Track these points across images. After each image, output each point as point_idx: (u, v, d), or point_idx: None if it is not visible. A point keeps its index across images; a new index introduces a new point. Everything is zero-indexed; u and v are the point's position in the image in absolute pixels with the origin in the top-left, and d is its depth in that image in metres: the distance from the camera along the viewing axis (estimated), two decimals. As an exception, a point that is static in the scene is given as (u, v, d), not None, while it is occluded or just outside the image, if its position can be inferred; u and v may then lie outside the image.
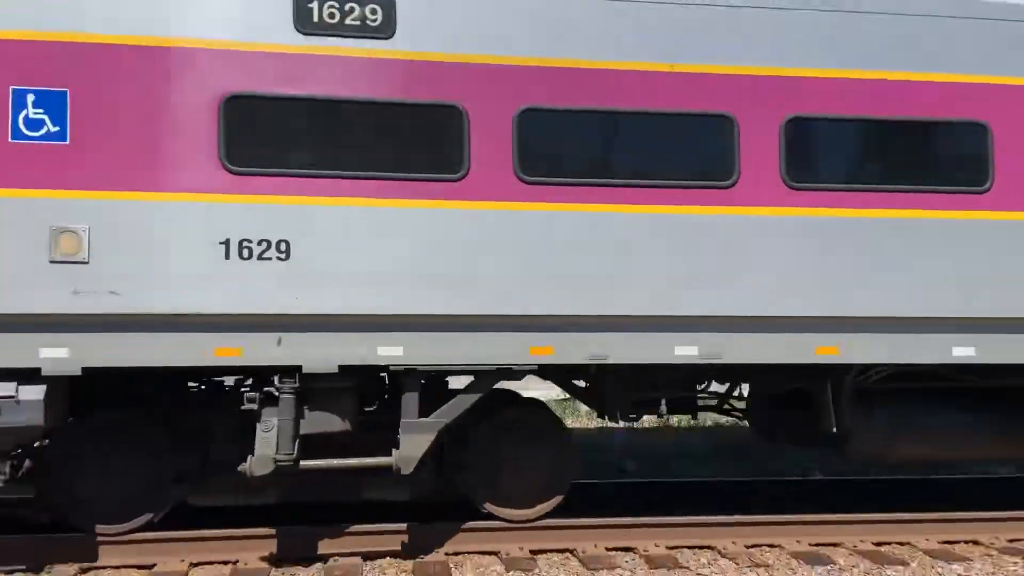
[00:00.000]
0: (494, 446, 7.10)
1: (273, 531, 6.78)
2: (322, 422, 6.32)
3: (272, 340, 6.08)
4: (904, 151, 6.67)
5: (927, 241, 6.64)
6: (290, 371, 6.15)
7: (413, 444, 6.35)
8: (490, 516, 7.16)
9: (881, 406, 7.24)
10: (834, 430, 7.11)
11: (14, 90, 5.82)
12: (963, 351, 6.79)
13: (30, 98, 5.84)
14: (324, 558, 6.70)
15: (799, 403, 7.74)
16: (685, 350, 6.52)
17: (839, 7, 6.65)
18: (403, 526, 6.91)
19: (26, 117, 5.82)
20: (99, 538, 6.58)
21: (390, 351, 6.20)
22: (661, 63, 6.43)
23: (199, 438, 6.85)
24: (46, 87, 5.86)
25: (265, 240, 6.02)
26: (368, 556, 6.73)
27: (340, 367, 6.14)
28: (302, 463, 6.21)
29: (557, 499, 7.21)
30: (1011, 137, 6.78)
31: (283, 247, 6.04)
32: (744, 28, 6.54)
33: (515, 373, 6.42)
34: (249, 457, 6.19)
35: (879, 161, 6.68)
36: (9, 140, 5.80)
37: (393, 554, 6.79)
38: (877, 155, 6.67)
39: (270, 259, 6.02)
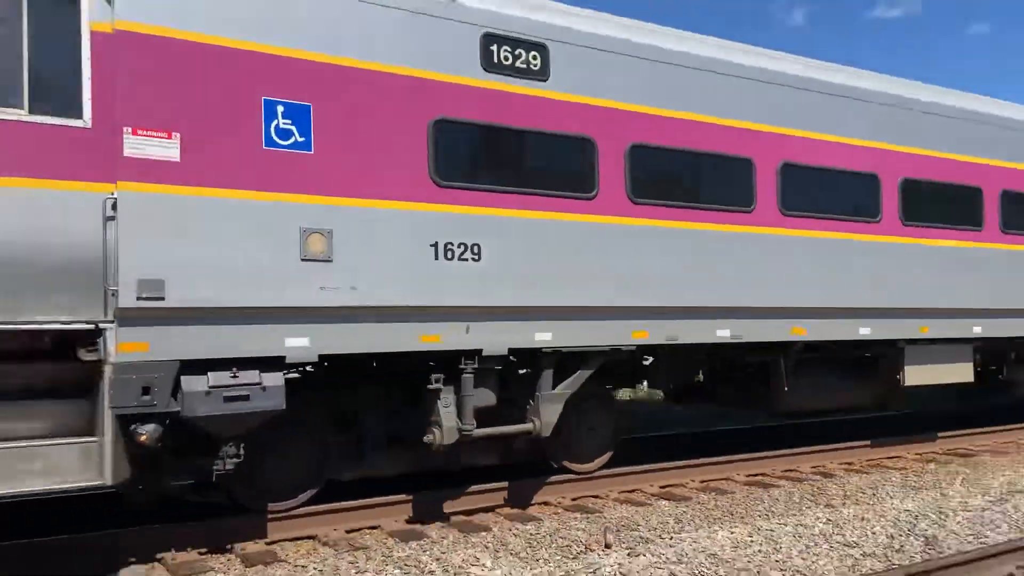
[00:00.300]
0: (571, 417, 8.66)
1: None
2: (484, 398, 7.52)
3: (461, 329, 7.19)
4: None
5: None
6: (469, 355, 7.29)
7: (550, 411, 7.82)
8: (563, 470, 8.77)
9: (804, 373, 10.02)
10: (786, 389, 9.73)
11: (266, 100, 6.34)
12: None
13: (280, 109, 6.39)
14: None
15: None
16: (721, 333, 8.70)
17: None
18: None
19: (277, 127, 6.37)
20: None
21: (542, 336, 7.61)
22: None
23: (354, 420, 7.63)
24: (294, 100, 6.45)
25: (463, 243, 7.13)
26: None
27: (509, 350, 7.43)
28: (476, 431, 7.38)
29: (609, 454, 9.02)
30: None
31: (476, 249, 7.19)
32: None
33: (622, 352, 8.14)
34: (434, 429, 7.23)
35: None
36: (262, 148, 6.31)
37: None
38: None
39: (467, 260, 7.14)
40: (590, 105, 7.88)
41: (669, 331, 8.29)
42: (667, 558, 6.37)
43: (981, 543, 6.99)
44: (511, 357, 7.76)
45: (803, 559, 6.50)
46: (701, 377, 10.36)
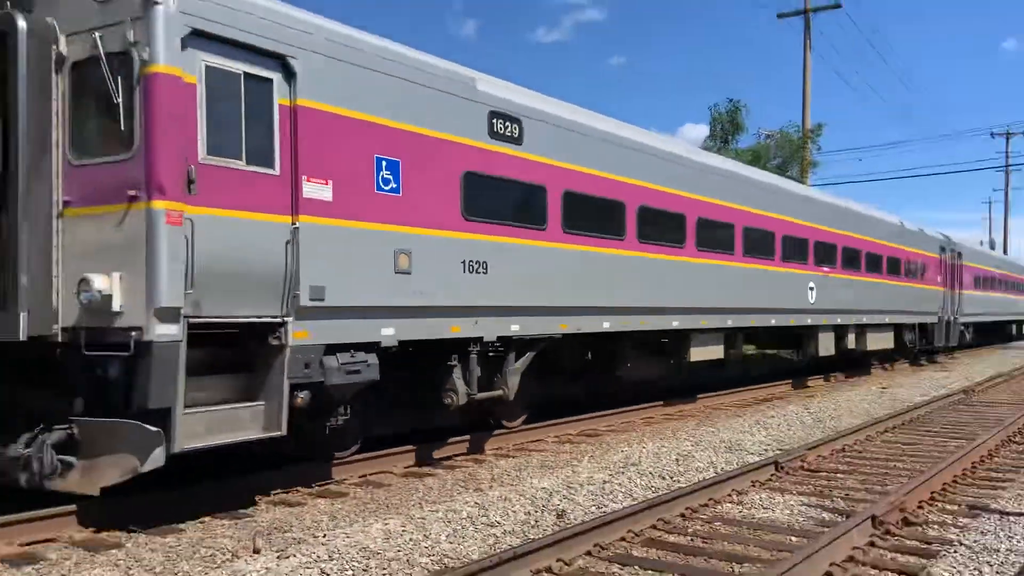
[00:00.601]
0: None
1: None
2: (479, 372, 10.38)
3: (469, 321, 10.04)
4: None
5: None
6: (475, 341, 10.14)
7: (514, 381, 10.87)
8: (500, 426, 11.82)
9: (632, 356, 13.95)
10: (628, 366, 13.57)
11: (377, 158, 8.80)
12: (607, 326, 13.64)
13: (384, 163, 8.87)
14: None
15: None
16: (606, 325, 12.28)
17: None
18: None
19: (382, 176, 8.85)
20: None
21: (514, 327, 10.66)
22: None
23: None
24: (390, 156, 8.95)
25: (477, 261, 9.99)
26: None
27: (497, 337, 10.40)
28: (476, 396, 10.24)
29: (526, 415, 12.22)
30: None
31: (484, 265, 10.07)
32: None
33: (553, 340, 11.40)
34: (451, 394, 9.98)
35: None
36: (374, 192, 8.77)
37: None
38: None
39: (479, 273, 10.01)
40: (543, 163, 11.05)
41: (577, 324, 11.71)
42: (318, 556, 6.33)
43: (602, 512, 7.82)
44: (497, 343, 10.69)
45: (451, 543, 6.86)
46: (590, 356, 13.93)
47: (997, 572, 6.43)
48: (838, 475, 9.84)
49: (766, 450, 11.40)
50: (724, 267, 15.41)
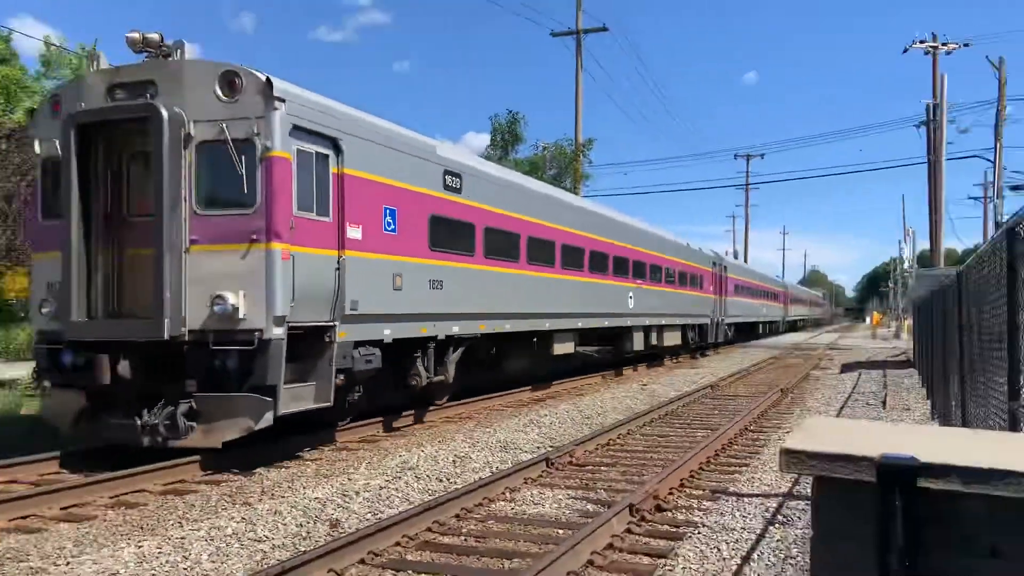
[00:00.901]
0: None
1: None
2: (436, 362, 14.00)
3: (432, 324, 13.68)
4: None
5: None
6: (431, 339, 13.77)
7: (452, 368, 14.59)
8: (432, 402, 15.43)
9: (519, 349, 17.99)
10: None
11: (386, 208, 12.28)
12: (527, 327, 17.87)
13: (389, 210, 12.36)
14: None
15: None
16: (507, 326, 16.24)
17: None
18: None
19: (389, 222, 12.34)
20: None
21: (455, 328, 14.38)
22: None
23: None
24: (391, 206, 12.45)
25: (438, 280, 13.64)
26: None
27: (446, 336, 14.08)
28: (433, 379, 13.87)
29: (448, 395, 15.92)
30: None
31: (442, 283, 13.74)
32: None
33: (476, 338, 15.19)
34: (414, 376, 13.55)
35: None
36: (382, 232, 12.25)
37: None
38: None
39: (439, 289, 13.67)
40: (474, 206, 14.86)
41: (491, 326, 15.60)
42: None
43: (377, 518, 7.68)
44: (444, 340, 14.33)
45: (212, 562, 6.56)
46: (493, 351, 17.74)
47: (733, 549, 7.02)
48: (602, 468, 10.62)
49: (539, 448, 12.08)
50: (577, 281, 19.83)
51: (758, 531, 7.57)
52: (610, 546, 7.06)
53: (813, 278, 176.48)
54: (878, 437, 2.66)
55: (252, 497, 8.96)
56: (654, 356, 29.31)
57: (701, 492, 9.23)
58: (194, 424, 10.23)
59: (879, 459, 2.27)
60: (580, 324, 20.22)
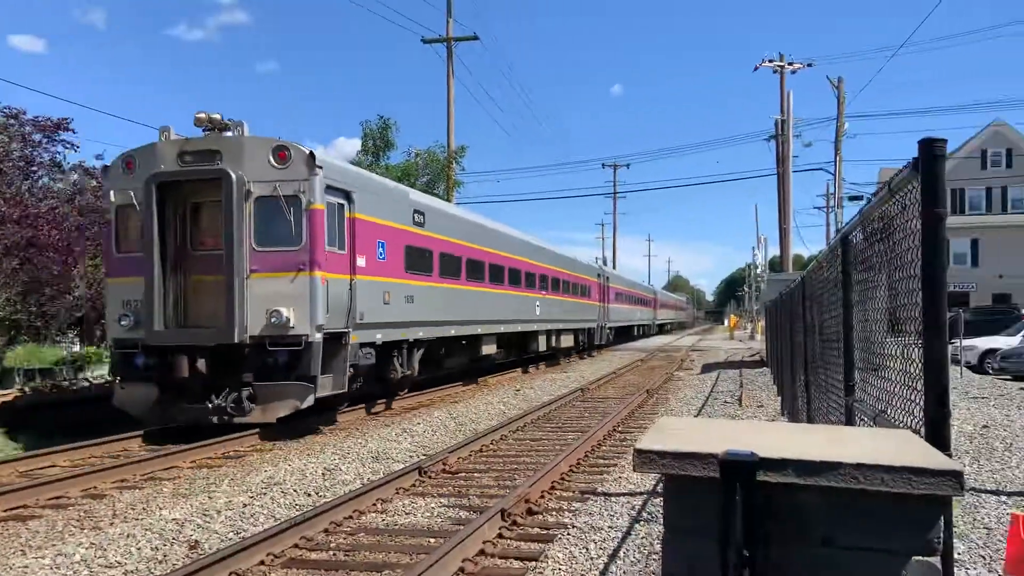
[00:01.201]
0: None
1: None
2: (412, 360, 17.89)
3: (407, 330, 17.59)
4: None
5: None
6: (405, 341, 17.68)
7: (416, 365, 18.52)
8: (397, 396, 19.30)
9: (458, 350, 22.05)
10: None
11: (378, 241, 16.17)
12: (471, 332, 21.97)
13: (380, 243, 16.25)
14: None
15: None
16: (458, 331, 20.31)
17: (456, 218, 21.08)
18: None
19: (380, 252, 16.23)
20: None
21: (421, 333, 18.33)
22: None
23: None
24: (382, 240, 16.35)
25: (411, 295, 17.59)
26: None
27: (414, 340, 18.02)
28: (404, 372, 17.76)
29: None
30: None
31: (413, 298, 17.69)
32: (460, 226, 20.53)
33: (433, 340, 19.16)
34: (393, 371, 17.43)
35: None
36: (376, 260, 16.13)
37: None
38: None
39: (412, 303, 17.61)
40: (433, 236, 18.87)
41: (443, 332, 19.60)
42: None
43: (241, 537, 7.42)
44: (412, 342, 18.24)
45: None
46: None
47: (600, 548, 7.04)
48: (475, 474, 10.49)
49: (411, 457, 12.02)
50: (500, 294, 24.05)
51: (624, 529, 7.71)
52: (482, 552, 7.03)
53: (676, 283, 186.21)
54: (725, 434, 2.66)
55: (103, 521, 8.53)
56: (552, 356, 33.83)
57: (571, 494, 9.34)
58: (253, 405, 13.88)
59: (722, 455, 2.31)
60: (502, 329, 24.43)
